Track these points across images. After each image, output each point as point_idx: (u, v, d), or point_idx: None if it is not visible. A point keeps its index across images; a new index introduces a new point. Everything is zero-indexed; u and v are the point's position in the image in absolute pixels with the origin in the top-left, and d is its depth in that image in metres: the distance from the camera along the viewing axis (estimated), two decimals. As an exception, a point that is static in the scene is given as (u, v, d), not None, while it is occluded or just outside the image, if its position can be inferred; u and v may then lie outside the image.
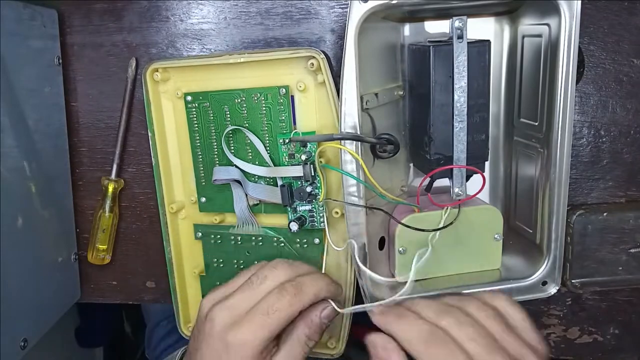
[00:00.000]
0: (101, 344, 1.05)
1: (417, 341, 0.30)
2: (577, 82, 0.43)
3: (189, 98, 0.43)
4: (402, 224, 0.39)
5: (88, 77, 0.49)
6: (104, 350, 1.07)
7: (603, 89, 0.45)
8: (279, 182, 0.42)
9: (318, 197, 0.42)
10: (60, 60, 0.47)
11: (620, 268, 0.47)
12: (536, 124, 0.39)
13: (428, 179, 0.39)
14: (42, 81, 0.45)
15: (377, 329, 0.56)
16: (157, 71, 0.43)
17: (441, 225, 0.39)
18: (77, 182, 0.51)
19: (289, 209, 0.43)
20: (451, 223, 0.39)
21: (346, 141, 0.36)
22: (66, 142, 0.49)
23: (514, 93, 0.42)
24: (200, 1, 0.47)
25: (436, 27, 0.42)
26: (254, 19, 0.46)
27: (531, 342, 0.31)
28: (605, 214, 0.46)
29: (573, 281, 0.47)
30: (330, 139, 0.37)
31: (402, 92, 0.42)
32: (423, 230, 0.39)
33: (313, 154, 0.41)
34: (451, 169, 0.39)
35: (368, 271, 0.38)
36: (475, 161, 0.39)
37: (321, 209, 0.43)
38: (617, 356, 0.51)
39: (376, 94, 0.39)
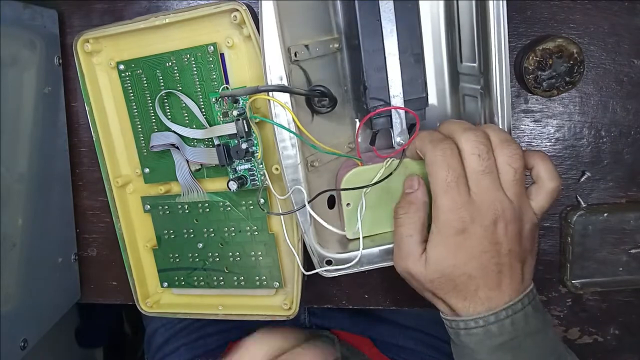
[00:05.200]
0: (101, 344, 1.05)
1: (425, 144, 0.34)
2: (577, 82, 0.43)
3: (121, 67, 0.43)
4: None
5: (88, 77, 0.49)
6: (104, 350, 1.07)
7: (603, 89, 0.45)
8: (216, 143, 0.42)
9: (256, 154, 0.41)
10: (61, 61, 0.47)
11: (621, 269, 0.47)
12: (475, 64, 0.39)
13: (370, 132, 0.38)
14: (42, 81, 0.45)
15: (360, 335, 0.56)
16: (88, 42, 0.43)
17: (380, 174, 0.38)
18: (77, 182, 0.51)
19: (229, 170, 0.43)
20: (391, 173, 0.38)
21: (275, 93, 0.35)
22: (66, 142, 0.49)
23: (454, 40, 0.41)
24: (200, 1, 0.46)
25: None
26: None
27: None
28: (605, 214, 0.46)
29: (573, 282, 0.47)
30: (256, 91, 0.35)
31: (337, 45, 0.41)
32: (361, 187, 0.38)
33: (245, 109, 0.40)
34: (391, 119, 0.38)
35: (314, 214, 0.36)
36: (415, 107, 0.38)
37: (260, 166, 0.42)
38: (618, 357, 0.51)
39: (306, 46, 0.38)
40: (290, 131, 0.35)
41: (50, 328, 0.48)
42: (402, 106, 0.37)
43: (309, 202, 0.36)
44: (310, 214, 0.37)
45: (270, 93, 0.35)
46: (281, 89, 0.35)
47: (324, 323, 0.61)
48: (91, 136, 0.45)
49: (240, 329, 0.56)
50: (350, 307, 0.51)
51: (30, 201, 0.44)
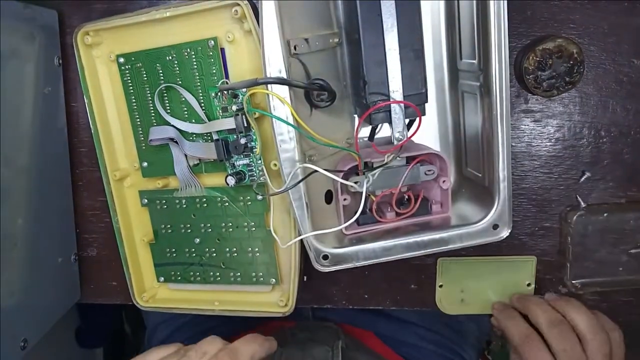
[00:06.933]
0: (101, 344, 1.05)
1: (518, 339, 0.42)
2: (577, 82, 0.43)
3: (121, 60, 0.43)
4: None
5: (88, 77, 0.49)
6: (104, 350, 1.07)
7: (603, 89, 0.45)
8: (215, 137, 0.42)
9: (255, 150, 0.41)
10: (61, 61, 0.47)
11: (621, 269, 0.47)
12: (475, 61, 0.39)
13: (370, 128, 0.38)
14: (42, 82, 0.45)
15: (363, 328, 0.56)
16: (88, 34, 0.43)
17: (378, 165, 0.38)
18: (77, 182, 0.51)
19: (228, 165, 0.43)
20: (386, 163, 0.39)
21: (273, 86, 0.35)
22: (66, 142, 0.49)
23: (454, 37, 0.41)
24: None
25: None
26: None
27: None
28: (605, 214, 0.46)
29: (573, 282, 0.47)
30: (255, 83, 0.35)
31: (337, 39, 0.41)
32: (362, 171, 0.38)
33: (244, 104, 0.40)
34: (390, 114, 0.38)
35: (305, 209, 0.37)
36: (414, 103, 0.38)
37: (259, 162, 0.42)
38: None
39: (306, 39, 0.38)
40: (288, 123, 0.35)
41: (50, 328, 0.48)
42: (401, 97, 0.37)
43: (291, 186, 0.36)
44: (306, 204, 0.37)
45: (269, 86, 0.35)
46: (280, 81, 0.35)
47: (327, 316, 0.61)
48: (91, 136, 0.45)
49: (245, 322, 0.56)
50: (350, 307, 0.51)
51: (30, 201, 0.44)
